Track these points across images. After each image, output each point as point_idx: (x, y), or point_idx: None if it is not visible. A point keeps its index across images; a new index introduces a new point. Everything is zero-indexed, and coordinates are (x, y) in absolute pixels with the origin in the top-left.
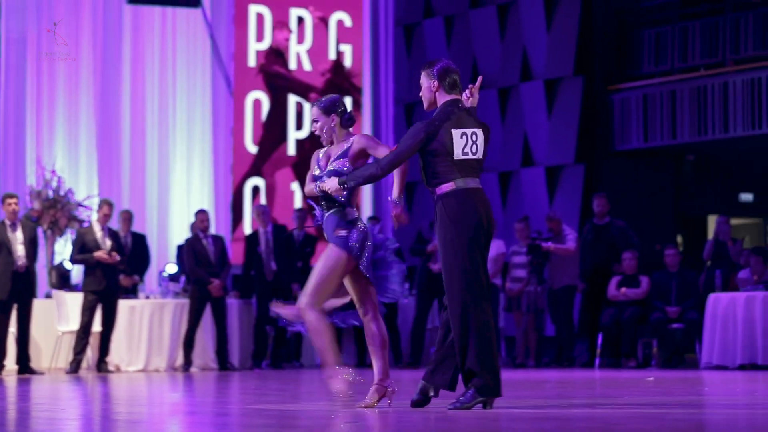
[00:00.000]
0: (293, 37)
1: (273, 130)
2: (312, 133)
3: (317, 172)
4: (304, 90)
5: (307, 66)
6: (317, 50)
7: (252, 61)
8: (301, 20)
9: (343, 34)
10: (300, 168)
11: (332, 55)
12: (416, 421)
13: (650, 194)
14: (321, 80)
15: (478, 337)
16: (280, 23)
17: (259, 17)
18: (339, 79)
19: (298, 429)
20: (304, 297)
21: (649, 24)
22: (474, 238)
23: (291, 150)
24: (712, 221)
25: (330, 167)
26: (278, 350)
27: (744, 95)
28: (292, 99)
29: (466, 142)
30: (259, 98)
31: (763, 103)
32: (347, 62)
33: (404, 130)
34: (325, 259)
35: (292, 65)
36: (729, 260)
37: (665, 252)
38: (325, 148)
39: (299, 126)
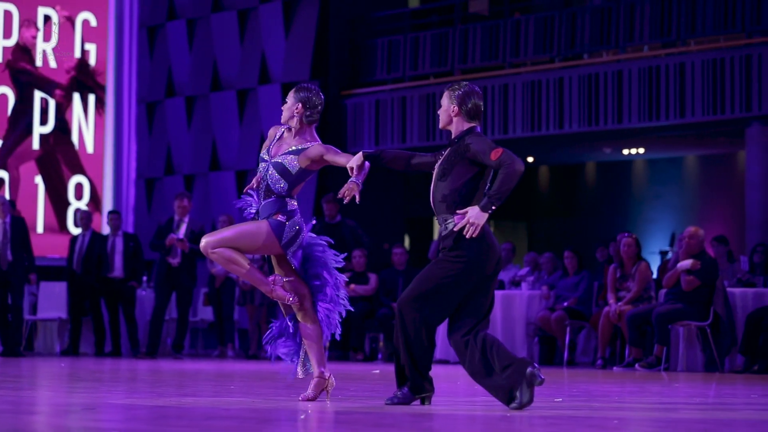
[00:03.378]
0: (40, 35)
1: (18, 124)
2: (56, 129)
3: (265, 155)
4: (49, 86)
5: (52, 63)
6: (63, 48)
7: None
8: (48, 19)
9: (89, 34)
10: (44, 161)
11: (77, 54)
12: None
13: (380, 195)
14: (66, 77)
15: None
16: (27, 21)
17: (7, 14)
18: (83, 77)
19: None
20: (211, 236)
21: (382, 33)
22: (484, 276)
23: (35, 144)
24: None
25: (278, 159)
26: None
27: None
28: (38, 95)
29: None
30: (5, 93)
31: (487, 112)
32: (92, 61)
33: (146, 129)
34: (251, 223)
35: (39, 62)
36: None
37: (393, 251)
38: (283, 130)
39: (44, 121)
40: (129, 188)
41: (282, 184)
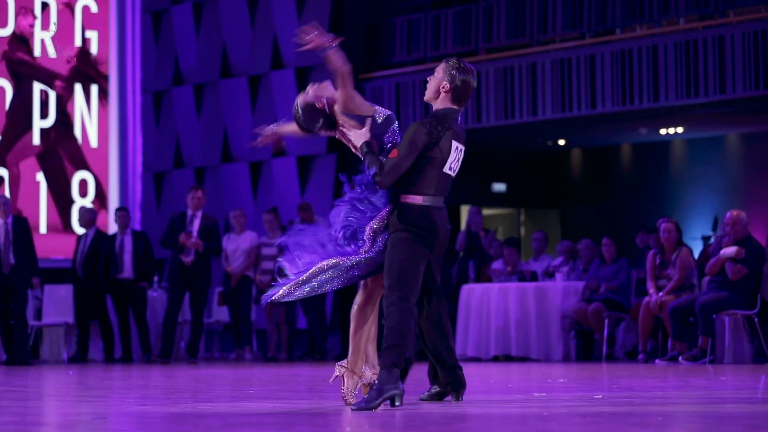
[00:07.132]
0: (38, 23)
1: (17, 119)
2: (57, 123)
3: None
4: (48, 78)
5: (52, 53)
6: (62, 37)
7: None
8: (45, 6)
9: (89, 20)
10: (45, 157)
11: (78, 42)
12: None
13: None
14: (66, 68)
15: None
16: (24, 8)
17: (2, 2)
18: (85, 67)
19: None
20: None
21: (400, 11)
22: (425, 243)
23: (36, 139)
24: (465, 211)
25: None
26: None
27: (497, 84)
28: (37, 87)
29: (455, 157)
30: (2, 86)
31: (515, 93)
32: (93, 49)
33: (152, 120)
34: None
35: (37, 52)
36: (482, 251)
37: None
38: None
39: (44, 115)
40: (136, 183)
41: None
